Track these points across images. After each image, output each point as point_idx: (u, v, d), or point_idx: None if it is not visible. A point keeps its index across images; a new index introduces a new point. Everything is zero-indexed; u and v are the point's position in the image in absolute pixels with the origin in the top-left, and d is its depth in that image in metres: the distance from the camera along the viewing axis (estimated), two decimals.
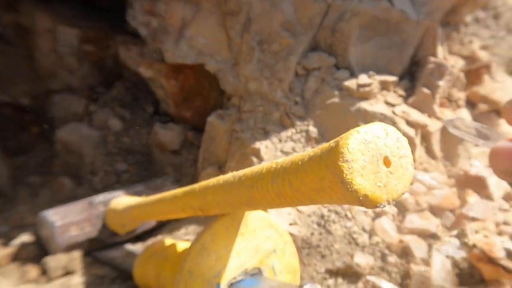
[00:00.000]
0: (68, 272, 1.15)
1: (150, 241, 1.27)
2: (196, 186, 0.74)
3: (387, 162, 0.50)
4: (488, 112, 1.37)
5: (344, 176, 0.46)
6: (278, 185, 0.56)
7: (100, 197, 1.26)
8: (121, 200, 1.20)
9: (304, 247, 1.01)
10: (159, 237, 1.28)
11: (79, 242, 1.18)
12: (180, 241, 1.06)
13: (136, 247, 1.26)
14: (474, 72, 1.34)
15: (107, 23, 1.85)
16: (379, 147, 0.50)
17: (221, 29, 1.38)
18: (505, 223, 1.01)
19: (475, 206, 1.05)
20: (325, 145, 0.50)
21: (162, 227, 1.33)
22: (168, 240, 1.05)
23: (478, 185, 1.11)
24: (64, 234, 1.16)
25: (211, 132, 1.35)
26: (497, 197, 1.12)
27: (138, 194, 1.25)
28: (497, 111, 1.39)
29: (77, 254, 1.17)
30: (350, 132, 0.50)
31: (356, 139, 0.49)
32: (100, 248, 1.24)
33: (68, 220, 1.18)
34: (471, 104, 1.37)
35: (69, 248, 1.17)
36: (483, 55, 1.46)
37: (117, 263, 1.21)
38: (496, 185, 1.14)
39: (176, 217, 0.97)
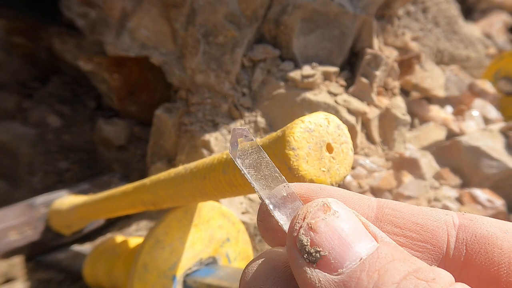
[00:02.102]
0: (8, 280, 1.08)
1: (100, 240, 1.23)
2: (146, 181, 0.74)
3: (329, 148, 0.54)
4: (419, 99, 1.49)
5: (291, 163, 0.49)
6: (230, 175, 0.58)
7: (41, 199, 1.20)
8: (65, 200, 1.16)
9: (257, 234, 1.05)
10: (108, 235, 1.25)
11: (19, 247, 1.12)
12: (131, 237, 1.04)
13: (84, 247, 1.22)
14: (407, 62, 1.45)
15: (38, 13, 1.73)
16: (322, 135, 0.54)
17: (164, 21, 1.35)
18: (436, 199, 1.11)
19: (409, 185, 1.15)
20: (272, 134, 0.52)
21: (111, 224, 1.29)
22: (119, 237, 1.04)
23: (412, 166, 1.21)
24: (1, 240, 1.09)
25: (159, 126, 1.33)
26: (428, 176, 1.23)
27: (84, 192, 1.20)
28: (427, 98, 1.52)
29: (17, 260, 1.11)
30: (295, 121, 0.53)
31: (301, 128, 0.52)
32: (44, 251, 1.18)
33: (6, 224, 1.11)
34: (404, 92, 1.48)
35: (8, 254, 1.10)
36: (414, 46, 1.58)
37: (64, 265, 1.17)
38: (428, 165, 1.25)
39: (126, 214, 0.95)
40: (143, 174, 1.40)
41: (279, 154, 0.49)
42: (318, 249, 0.20)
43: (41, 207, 1.18)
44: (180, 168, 0.67)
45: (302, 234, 0.21)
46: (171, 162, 1.32)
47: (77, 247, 1.21)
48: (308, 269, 0.20)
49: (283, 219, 0.24)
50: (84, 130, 1.67)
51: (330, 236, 0.20)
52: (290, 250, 0.21)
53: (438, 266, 0.21)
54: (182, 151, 1.26)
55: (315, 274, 0.20)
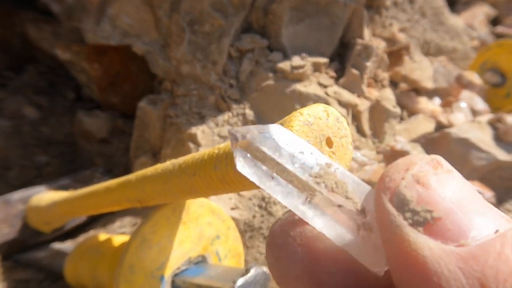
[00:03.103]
0: None
1: (82, 238, 1.18)
2: (132, 176, 0.70)
3: (329, 142, 0.51)
4: (408, 91, 1.48)
5: None
6: (222, 171, 0.55)
7: (18, 194, 1.14)
8: (45, 196, 1.10)
9: (247, 230, 1.02)
10: (91, 233, 1.21)
11: None
12: (115, 235, 1.00)
13: (65, 245, 1.17)
14: (395, 53, 1.43)
15: None
16: (321, 128, 0.50)
17: (147, 7, 1.29)
18: None
19: None
20: None
21: (94, 221, 1.25)
22: (102, 235, 0.99)
23: None
24: None
25: (144, 118, 1.28)
26: None
27: (64, 188, 1.15)
28: (416, 89, 1.51)
29: None
30: (293, 114, 0.50)
31: (300, 121, 0.49)
32: (22, 250, 1.13)
33: None
34: (394, 83, 1.46)
35: None
36: (402, 37, 1.57)
37: (43, 264, 1.12)
38: None
39: (110, 210, 0.91)
40: (127, 169, 1.36)
41: None
42: (429, 209, 0.15)
43: (18, 204, 1.12)
44: (168, 163, 0.63)
45: (405, 187, 0.15)
46: (156, 156, 1.27)
47: (57, 245, 1.17)
48: (411, 231, 0.14)
49: (339, 198, 0.18)
50: (63, 122, 1.60)
51: (448, 196, 0.15)
52: (381, 206, 0.15)
53: None
54: (168, 145, 1.22)
55: (422, 239, 0.14)
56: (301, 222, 0.19)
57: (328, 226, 0.18)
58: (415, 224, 0.15)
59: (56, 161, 1.49)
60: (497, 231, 0.14)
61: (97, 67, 1.44)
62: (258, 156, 0.19)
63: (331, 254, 0.18)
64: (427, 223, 0.14)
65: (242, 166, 0.20)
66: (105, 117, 1.46)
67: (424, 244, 0.14)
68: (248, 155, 0.20)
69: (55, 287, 1.07)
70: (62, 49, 1.44)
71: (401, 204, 0.15)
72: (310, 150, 0.19)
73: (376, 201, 0.16)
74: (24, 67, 1.70)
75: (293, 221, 0.19)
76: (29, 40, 1.59)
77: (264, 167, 0.19)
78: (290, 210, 0.20)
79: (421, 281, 0.14)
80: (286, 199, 0.19)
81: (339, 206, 0.18)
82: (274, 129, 0.20)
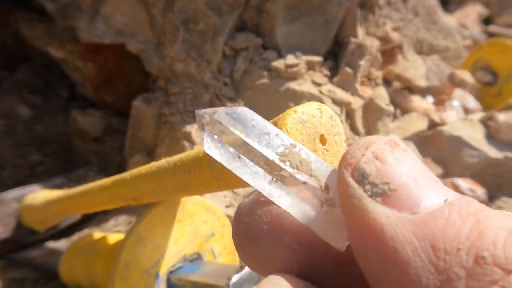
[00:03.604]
0: None
1: (76, 236, 1.18)
2: (126, 175, 0.70)
3: (323, 140, 0.52)
4: (401, 89, 1.49)
5: None
6: (217, 168, 0.55)
7: (11, 193, 1.13)
8: (39, 194, 1.10)
9: None
10: (86, 231, 1.20)
11: None
12: (110, 233, 1.00)
13: (60, 244, 1.17)
14: (389, 52, 1.44)
15: None
16: (315, 126, 0.51)
17: (141, 6, 1.29)
18: None
19: None
20: None
21: (88, 219, 1.24)
22: (97, 234, 0.99)
23: None
24: None
25: (138, 117, 1.28)
26: None
27: (58, 187, 1.15)
28: (409, 88, 1.52)
29: None
30: (287, 112, 0.50)
31: (294, 118, 0.49)
32: (16, 249, 1.12)
33: None
34: (387, 82, 1.48)
35: None
36: (395, 36, 1.58)
37: (38, 263, 1.12)
38: None
39: (104, 209, 0.91)
40: (121, 167, 1.35)
41: None
42: (386, 181, 0.16)
43: (12, 202, 1.12)
44: (163, 161, 0.63)
45: (365, 162, 0.16)
46: (150, 155, 1.27)
47: (52, 244, 1.16)
48: (370, 201, 0.16)
49: (304, 176, 0.18)
50: (57, 121, 1.59)
51: (403, 169, 0.16)
52: (343, 180, 0.16)
53: None
54: (162, 143, 1.22)
55: (380, 209, 0.16)
56: (267, 201, 0.20)
57: (293, 205, 0.19)
58: (374, 195, 0.16)
59: (50, 160, 1.48)
60: (446, 200, 0.16)
61: (91, 66, 1.43)
62: (224, 137, 0.20)
63: (295, 231, 0.19)
64: (384, 194, 0.16)
65: (209, 147, 0.20)
66: (99, 116, 1.46)
67: (382, 212, 0.16)
68: (215, 136, 0.20)
69: (50, 286, 1.07)
70: (56, 47, 1.44)
71: (361, 177, 0.16)
72: (275, 132, 0.20)
73: (339, 176, 0.17)
74: (18, 66, 1.69)
75: (259, 201, 0.20)
76: (23, 39, 1.58)
77: (231, 148, 0.20)
78: (256, 190, 0.20)
79: (378, 246, 0.15)
80: (253, 180, 0.19)
81: (304, 183, 0.19)
82: (241, 110, 0.20)
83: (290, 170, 0.19)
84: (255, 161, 0.19)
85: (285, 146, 0.19)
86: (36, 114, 1.58)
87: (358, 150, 0.17)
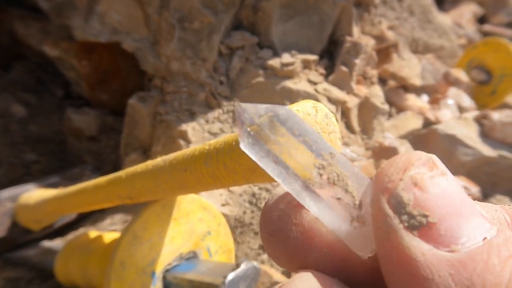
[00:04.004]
0: None
1: (72, 235, 1.18)
2: (122, 173, 0.70)
3: None
4: (396, 87, 1.50)
5: None
6: (213, 167, 0.55)
7: (6, 193, 1.13)
8: (34, 194, 1.09)
9: (237, 226, 1.03)
10: (81, 230, 1.20)
11: None
12: (105, 232, 1.00)
13: (55, 243, 1.17)
14: (384, 51, 1.45)
15: None
16: (310, 124, 0.51)
17: (136, 4, 1.28)
18: None
19: None
20: None
21: (84, 219, 1.24)
22: (93, 233, 0.99)
23: (392, 155, 1.22)
24: None
25: (133, 115, 1.28)
26: None
27: (54, 186, 1.14)
28: (404, 87, 1.53)
29: None
30: None
31: None
32: (11, 248, 1.12)
33: None
34: (382, 81, 1.48)
35: None
36: (390, 35, 1.58)
37: (33, 262, 1.11)
38: None
39: (100, 208, 0.91)
40: (117, 166, 1.35)
41: None
42: (425, 213, 0.15)
43: (6, 202, 1.11)
44: (159, 160, 0.63)
45: (402, 189, 0.15)
46: (146, 154, 1.27)
47: (47, 243, 1.16)
48: (406, 235, 0.15)
49: (339, 190, 0.18)
50: (52, 120, 1.58)
51: (442, 201, 0.15)
52: (378, 207, 0.16)
53: None
54: (158, 142, 1.22)
55: (416, 243, 0.15)
56: (298, 203, 0.20)
57: (323, 213, 0.19)
58: (410, 228, 0.15)
59: (45, 159, 1.48)
60: (485, 238, 0.15)
61: (86, 64, 1.42)
62: (263, 137, 0.19)
63: (323, 235, 0.19)
64: (422, 227, 0.15)
65: (246, 145, 0.20)
66: (94, 115, 1.45)
67: (418, 248, 0.15)
68: (252, 133, 0.19)
69: (45, 285, 1.06)
70: (50, 46, 1.43)
71: (398, 206, 0.15)
72: (316, 138, 0.20)
73: (374, 200, 0.16)
74: (12, 65, 1.68)
75: (289, 201, 0.20)
76: (17, 37, 1.57)
77: (268, 149, 0.19)
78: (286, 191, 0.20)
79: (411, 282, 0.15)
80: (286, 183, 0.19)
81: (338, 199, 0.19)
82: (283, 112, 0.20)
83: (325, 184, 0.19)
84: (291, 166, 0.19)
85: (323, 156, 0.19)
86: (30, 113, 1.57)
87: (396, 172, 0.16)
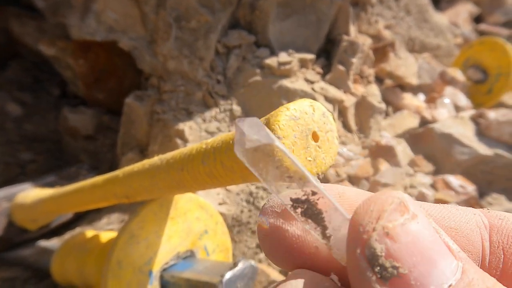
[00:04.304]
0: None
1: (68, 235, 1.17)
2: (119, 172, 0.69)
3: (315, 137, 0.52)
4: (393, 87, 1.50)
5: None
6: (210, 165, 0.55)
7: (2, 192, 1.12)
8: (30, 193, 1.09)
9: (235, 225, 1.03)
10: (78, 230, 1.19)
11: None
12: (102, 231, 1.00)
13: (52, 243, 1.16)
14: (381, 50, 1.45)
15: None
16: (307, 123, 0.51)
17: (133, 3, 1.28)
18: (411, 186, 1.13)
19: (386, 173, 1.16)
20: None
21: (81, 218, 1.23)
22: (89, 232, 0.99)
23: (388, 153, 1.22)
24: None
25: (130, 114, 1.27)
26: (404, 164, 1.24)
27: (50, 185, 1.13)
28: (401, 86, 1.53)
29: None
30: (279, 109, 0.50)
31: (286, 115, 0.49)
32: (7, 248, 1.11)
33: None
34: (379, 79, 1.48)
35: None
36: (387, 34, 1.59)
37: (29, 262, 1.11)
38: (403, 153, 1.27)
39: (97, 207, 0.90)
40: (113, 165, 1.35)
41: None
42: (396, 264, 0.16)
43: (2, 201, 1.11)
44: (156, 159, 0.63)
45: (376, 240, 0.16)
46: (143, 153, 1.26)
47: (43, 243, 1.15)
48: (379, 286, 0.16)
49: (312, 224, 0.20)
50: (48, 119, 1.58)
51: (412, 249, 0.16)
52: (353, 257, 0.17)
53: None
54: (155, 141, 1.21)
55: None
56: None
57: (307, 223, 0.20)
58: (383, 279, 0.16)
59: (41, 158, 1.47)
60: (450, 285, 0.16)
61: (83, 63, 1.42)
62: (256, 159, 0.21)
63: (312, 238, 0.21)
64: (393, 277, 0.16)
65: (241, 156, 0.21)
66: (90, 114, 1.44)
67: None
68: (248, 151, 0.21)
69: (41, 285, 1.06)
70: (46, 45, 1.42)
71: (372, 258, 0.16)
72: (299, 175, 0.20)
73: (349, 251, 0.17)
74: (8, 63, 1.67)
75: (285, 208, 0.21)
76: (13, 36, 1.56)
77: (258, 168, 0.21)
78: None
79: None
80: (276, 195, 0.21)
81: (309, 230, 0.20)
82: (277, 144, 0.20)
83: (299, 219, 0.20)
84: (276, 189, 0.21)
85: (305, 192, 0.20)
86: (26, 112, 1.57)
87: (370, 222, 0.17)
